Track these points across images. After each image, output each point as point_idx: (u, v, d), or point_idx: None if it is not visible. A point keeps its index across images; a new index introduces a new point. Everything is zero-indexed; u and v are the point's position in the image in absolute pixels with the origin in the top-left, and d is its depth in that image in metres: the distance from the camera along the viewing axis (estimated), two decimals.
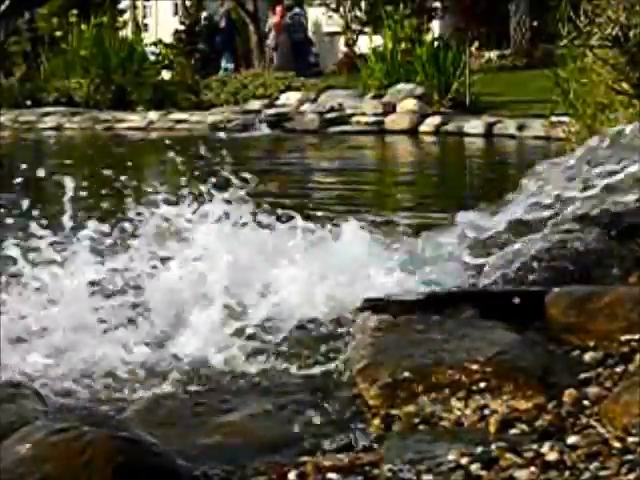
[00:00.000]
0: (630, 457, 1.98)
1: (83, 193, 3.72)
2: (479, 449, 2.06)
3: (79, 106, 17.40)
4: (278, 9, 21.14)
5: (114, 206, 3.92)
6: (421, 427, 2.29)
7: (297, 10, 21.49)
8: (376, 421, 2.33)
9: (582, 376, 2.43)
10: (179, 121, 16.19)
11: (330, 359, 2.73)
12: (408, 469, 2.01)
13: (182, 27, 23.02)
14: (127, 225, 3.53)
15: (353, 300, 3.02)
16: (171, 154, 4.66)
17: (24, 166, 4.20)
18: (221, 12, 22.51)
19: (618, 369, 2.44)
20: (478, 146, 13.21)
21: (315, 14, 23.91)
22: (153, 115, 16.57)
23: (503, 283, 3.12)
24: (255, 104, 16.48)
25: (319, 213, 5.24)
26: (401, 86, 15.39)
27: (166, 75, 19.14)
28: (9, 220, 3.77)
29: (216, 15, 22.71)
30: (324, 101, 15.93)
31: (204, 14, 22.94)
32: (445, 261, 3.50)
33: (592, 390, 2.34)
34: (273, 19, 21.35)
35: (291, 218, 3.58)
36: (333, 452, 2.13)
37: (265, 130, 15.33)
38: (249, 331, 2.96)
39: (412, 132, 14.51)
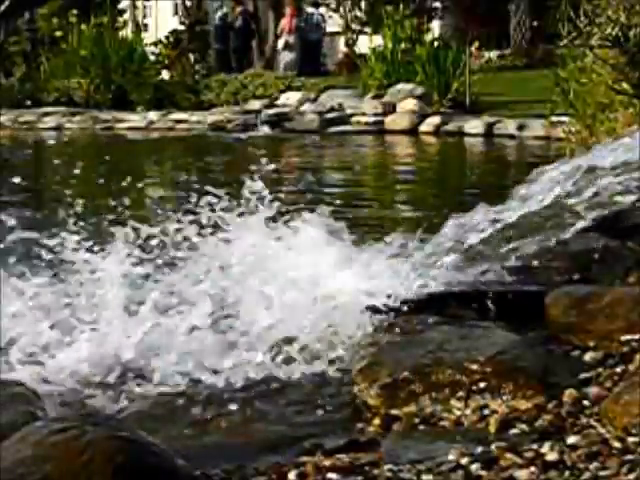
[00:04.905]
0: (630, 457, 1.98)
1: None
2: (479, 449, 2.06)
3: (79, 106, 17.38)
4: (288, 11, 21.08)
5: None
6: (421, 427, 2.29)
7: (312, 10, 21.45)
8: (376, 421, 2.33)
9: (582, 376, 2.43)
10: (179, 121, 16.17)
11: (330, 359, 2.73)
12: (408, 469, 2.01)
13: (182, 27, 23.03)
14: None
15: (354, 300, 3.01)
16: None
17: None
18: (237, 12, 22.46)
19: (618, 369, 2.44)
20: (478, 146, 13.20)
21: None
22: (153, 115, 16.55)
23: (503, 283, 3.12)
24: (255, 104, 16.47)
25: None
26: (401, 86, 15.39)
27: (166, 75, 19.13)
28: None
29: (231, 14, 22.65)
30: (324, 101, 15.93)
31: (219, 13, 22.87)
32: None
33: (592, 390, 2.34)
34: (284, 21, 21.29)
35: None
36: (333, 452, 2.13)
37: (265, 130, 15.33)
38: (249, 331, 2.95)
39: (412, 132, 14.50)
